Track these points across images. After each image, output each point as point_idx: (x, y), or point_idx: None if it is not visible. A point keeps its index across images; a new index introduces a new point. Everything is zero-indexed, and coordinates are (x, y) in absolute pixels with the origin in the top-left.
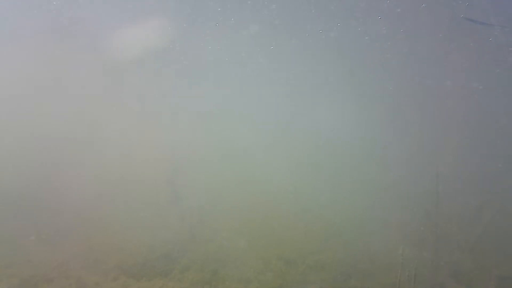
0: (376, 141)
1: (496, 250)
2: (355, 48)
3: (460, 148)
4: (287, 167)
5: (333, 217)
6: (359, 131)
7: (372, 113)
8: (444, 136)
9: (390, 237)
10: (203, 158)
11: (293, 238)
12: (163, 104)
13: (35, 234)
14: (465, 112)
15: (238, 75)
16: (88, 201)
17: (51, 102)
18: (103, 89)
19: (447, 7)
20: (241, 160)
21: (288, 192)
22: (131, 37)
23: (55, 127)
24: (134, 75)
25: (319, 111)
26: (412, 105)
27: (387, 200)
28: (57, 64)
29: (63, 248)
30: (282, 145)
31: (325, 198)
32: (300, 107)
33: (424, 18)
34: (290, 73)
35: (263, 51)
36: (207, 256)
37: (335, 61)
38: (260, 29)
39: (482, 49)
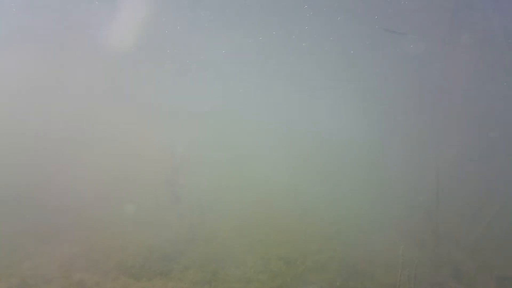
0: (376, 141)
1: (496, 250)
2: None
3: (460, 148)
4: (287, 167)
5: (333, 217)
6: (358, 131)
7: (372, 114)
8: (444, 136)
9: (390, 237)
10: (203, 158)
11: (293, 238)
12: (163, 104)
13: (35, 234)
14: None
15: (239, 75)
16: (88, 201)
17: (50, 101)
18: (103, 89)
19: (369, 18)
20: (241, 160)
21: (288, 192)
22: (130, 36)
23: (54, 127)
24: (133, 74)
25: (319, 111)
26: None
27: (387, 200)
28: (56, 63)
29: (63, 248)
30: (282, 145)
31: (325, 198)
32: (300, 107)
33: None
34: (291, 73)
35: (263, 51)
36: (207, 256)
37: (333, 61)
38: (261, 28)
39: (410, 55)
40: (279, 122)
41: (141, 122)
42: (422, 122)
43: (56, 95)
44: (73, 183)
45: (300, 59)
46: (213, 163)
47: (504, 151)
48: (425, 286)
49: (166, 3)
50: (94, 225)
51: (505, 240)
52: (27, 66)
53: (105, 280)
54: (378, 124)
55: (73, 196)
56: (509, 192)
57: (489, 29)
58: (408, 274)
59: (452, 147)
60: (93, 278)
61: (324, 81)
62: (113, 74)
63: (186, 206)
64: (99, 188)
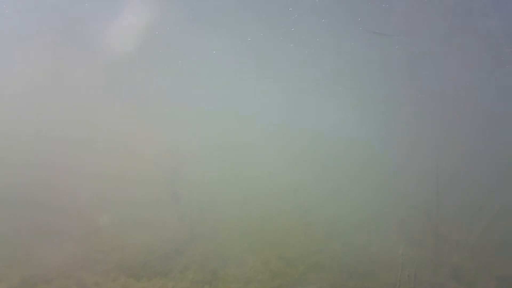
0: (376, 141)
1: (496, 250)
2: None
3: (460, 148)
4: (287, 167)
5: (333, 217)
6: (359, 132)
7: (371, 114)
8: (444, 136)
9: (390, 237)
10: (203, 158)
11: (293, 238)
12: (163, 104)
13: (35, 234)
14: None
15: (239, 75)
16: (88, 201)
17: (51, 102)
18: (103, 89)
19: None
20: (241, 160)
21: (288, 192)
22: (130, 36)
23: (55, 127)
24: (133, 74)
25: (320, 111)
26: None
27: (387, 200)
28: (57, 63)
29: (63, 248)
30: (283, 145)
31: (325, 198)
32: (300, 107)
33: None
34: (291, 74)
35: (263, 51)
36: (207, 256)
37: (332, 62)
38: (262, 28)
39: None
40: (277, 122)
41: (141, 123)
42: (421, 123)
43: (55, 96)
44: (73, 183)
45: (289, 59)
46: (213, 163)
47: (504, 151)
48: (425, 286)
49: (156, 5)
50: (94, 225)
51: (505, 240)
52: (26, 67)
53: (105, 280)
54: (377, 125)
55: (73, 196)
56: (509, 192)
57: (479, 29)
58: (408, 274)
59: (452, 147)
60: (93, 278)
61: (316, 81)
62: (113, 74)
63: (186, 206)
64: (99, 188)
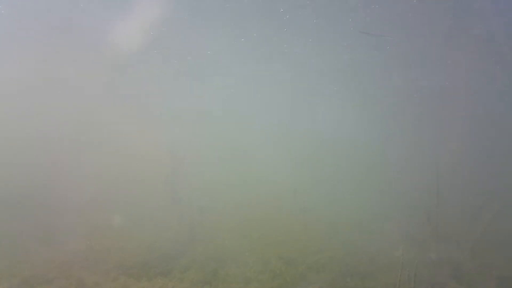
0: (375, 142)
1: (496, 250)
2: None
3: (460, 148)
4: (287, 168)
5: (333, 217)
6: (358, 132)
7: (371, 114)
8: (444, 136)
9: (390, 237)
10: (203, 158)
11: (293, 238)
12: (164, 104)
13: (35, 234)
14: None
15: (239, 75)
16: (88, 201)
17: (51, 102)
18: (103, 89)
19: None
20: (241, 160)
21: (288, 192)
22: (130, 36)
23: (55, 128)
24: (133, 74)
25: (318, 111)
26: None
27: (387, 200)
28: (56, 63)
29: (63, 248)
30: (282, 146)
31: (325, 198)
32: (299, 108)
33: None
34: (291, 74)
35: (263, 51)
36: (207, 256)
37: (333, 61)
38: (261, 28)
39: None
40: (276, 123)
41: (141, 123)
42: (421, 123)
43: (55, 97)
44: (73, 183)
45: (284, 59)
46: (213, 164)
47: (504, 151)
48: (425, 286)
49: (152, 6)
50: (94, 225)
51: (505, 240)
52: (25, 67)
53: (105, 280)
54: (377, 125)
55: (73, 196)
56: (509, 192)
57: (470, 29)
58: (408, 274)
59: (452, 147)
60: (93, 278)
61: (313, 81)
62: (113, 74)
63: (186, 206)
64: (100, 189)
